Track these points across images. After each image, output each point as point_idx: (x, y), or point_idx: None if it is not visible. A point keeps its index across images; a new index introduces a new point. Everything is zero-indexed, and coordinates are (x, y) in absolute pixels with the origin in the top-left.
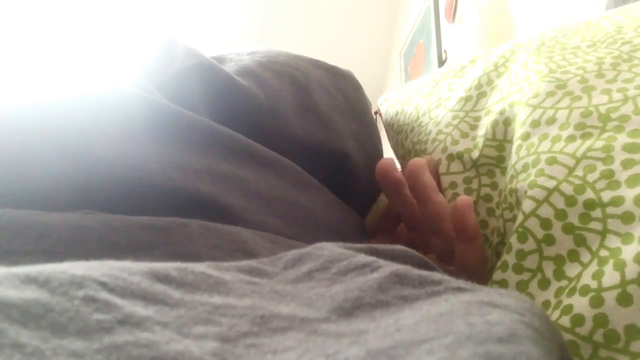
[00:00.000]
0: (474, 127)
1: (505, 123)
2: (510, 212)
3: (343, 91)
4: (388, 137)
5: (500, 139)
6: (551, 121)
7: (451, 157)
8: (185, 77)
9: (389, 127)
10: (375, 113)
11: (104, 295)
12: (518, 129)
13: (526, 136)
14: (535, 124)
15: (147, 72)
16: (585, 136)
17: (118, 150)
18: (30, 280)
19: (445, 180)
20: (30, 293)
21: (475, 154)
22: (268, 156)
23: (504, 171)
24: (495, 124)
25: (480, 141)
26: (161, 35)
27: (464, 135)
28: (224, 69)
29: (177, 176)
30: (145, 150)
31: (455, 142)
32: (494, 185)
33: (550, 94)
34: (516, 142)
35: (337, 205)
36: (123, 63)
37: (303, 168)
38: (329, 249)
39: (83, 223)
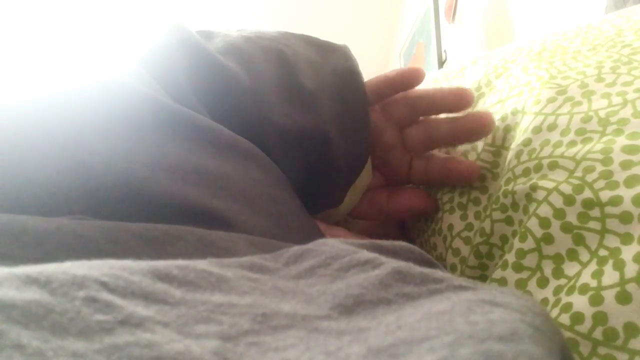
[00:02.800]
0: None
1: (505, 130)
2: (502, 214)
3: (333, 68)
4: None
5: (498, 145)
6: (552, 127)
7: None
8: (170, 53)
9: None
10: None
11: (105, 295)
12: (520, 135)
13: (528, 142)
14: (537, 130)
15: (131, 49)
16: (586, 141)
17: (106, 154)
18: (31, 281)
19: None
20: (31, 294)
21: (473, 157)
22: (250, 151)
23: (495, 176)
24: (496, 130)
25: (479, 145)
26: (145, 11)
27: None
28: (209, 48)
29: (165, 180)
30: (132, 151)
31: (456, 147)
32: (483, 189)
33: (551, 100)
34: (517, 148)
35: (304, 209)
36: (119, 48)
37: (283, 151)
38: (330, 244)
39: (81, 232)
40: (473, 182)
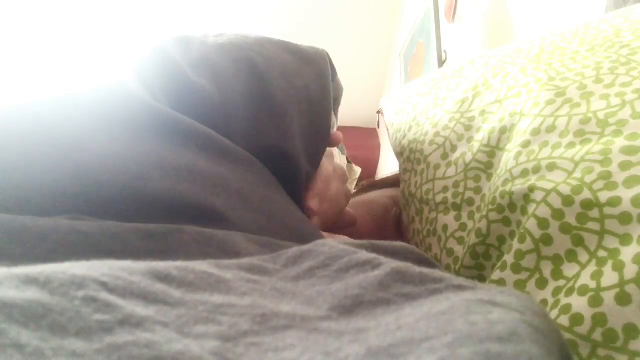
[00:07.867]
0: (468, 128)
1: (501, 131)
2: (499, 214)
3: (306, 83)
4: (389, 135)
5: (493, 146)
6: (551, 129)
7: (449, 164)
8: (147, 62)
9: (389, 125)
10: (378, 112)
11: (104, 295)
12: (519, 137)
13: (526, 144)
14: (536, 132)
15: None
16: (585, 142)
17: (102, 155)
18: (30, 281)
19: (439, 184)
20: (31, 294)
21: (469, 158)
22: (239, 153)
23: (489, 177)
24: (492, 131)
25: (475, 145)
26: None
27: (460, 138)
28: (181, 63)
29: (159, 178)
30: (127, 151)
31: (454, 149)
32: (477, 190)
33: (549, 102)
34: (516, 150)
35: (298, 209)
36: (114, 56)
37: None
38: (329, 245)
39: (80, 228)
40: None
